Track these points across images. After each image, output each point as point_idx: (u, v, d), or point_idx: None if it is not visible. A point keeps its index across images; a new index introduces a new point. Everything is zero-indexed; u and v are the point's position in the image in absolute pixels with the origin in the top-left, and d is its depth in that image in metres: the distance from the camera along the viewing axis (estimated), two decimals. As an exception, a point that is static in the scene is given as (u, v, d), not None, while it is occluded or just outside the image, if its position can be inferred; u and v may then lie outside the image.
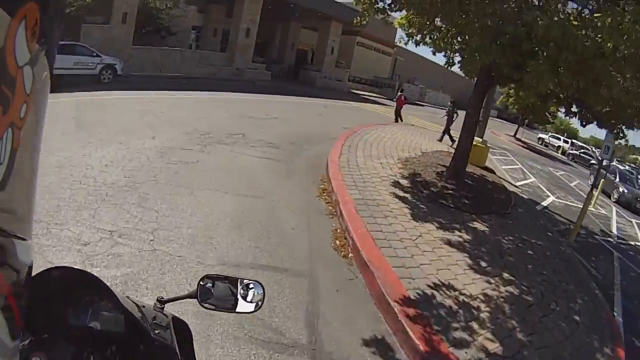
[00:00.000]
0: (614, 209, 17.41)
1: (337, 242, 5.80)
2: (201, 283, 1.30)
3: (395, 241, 5.85)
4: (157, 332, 1.06)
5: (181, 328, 1.24)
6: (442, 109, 48.32)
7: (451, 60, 9.38)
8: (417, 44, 9.36)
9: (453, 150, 10.90)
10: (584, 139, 50.92)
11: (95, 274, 0.98)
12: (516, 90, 12.02)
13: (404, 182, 8.88)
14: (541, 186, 15.66)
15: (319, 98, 21.48)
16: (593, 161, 34.87)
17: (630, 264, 9.86)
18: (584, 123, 9.85)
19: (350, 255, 5.48)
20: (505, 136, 32.92)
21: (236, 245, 4.92)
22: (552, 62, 6.05)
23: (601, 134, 10.18)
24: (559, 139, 39.51)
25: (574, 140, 41.29)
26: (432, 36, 9.01)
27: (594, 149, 47.51)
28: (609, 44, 5.12)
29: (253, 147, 9.00)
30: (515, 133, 35.62)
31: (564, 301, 5.70)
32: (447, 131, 15.63)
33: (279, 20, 29.46)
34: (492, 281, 5.52)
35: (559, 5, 6.58)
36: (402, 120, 18.83)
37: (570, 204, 15.28)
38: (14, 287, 0.62)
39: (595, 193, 16.95)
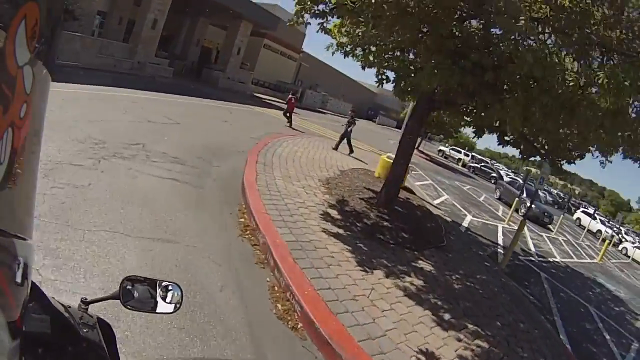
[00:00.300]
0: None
1: (279, 306, 4.79)
2: (123, 285, 1.31)
3: (350, 301, 5.05)
4: (85, 331, 1.06)
5: (105, 328, 1.21)
6: (344, 117, 49.08)
7: (383, 77, 8.63)
8: (346, 54, 8.43)
9: (366, 166, 11.07)
10: (480, 151, 55.13)
11: None
12: (452, 115, 11.32)
13: (334, 212, 8.14)
14: (456, 204, 16.46)
15: (222, 101, 19.93)
16: (494, 174, 37.38)
17: (556, 283, 10.71)
18: (502, 145, 9.49)
19: (300, 326, 4.53)
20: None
21: (152, 330, 3.52)
22: (526, 101, 5.66)
23: (493, 142, 10.21)
24: (459, 151, 42.36)
25: (473, 153, 44.03)
26: (365, 49, 8.26)
27: (495, 163, 51.73)
28: (606, 99, 4.80)
29: (155, 164, 7.51)
30: (418, 146, 36.71)
31: (526, 344, 5.84)
32: (343, 139, 15.76)
33: (187, 15, 28.43)
34: (461, 337, 5.20)
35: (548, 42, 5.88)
36: (290, 123, 18.99)
37: (486, 221, 16.32)
38: (15, 288, 0.63)
39: (510, 211, 17.80)
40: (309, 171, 10.73)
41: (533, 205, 21.50)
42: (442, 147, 44.26)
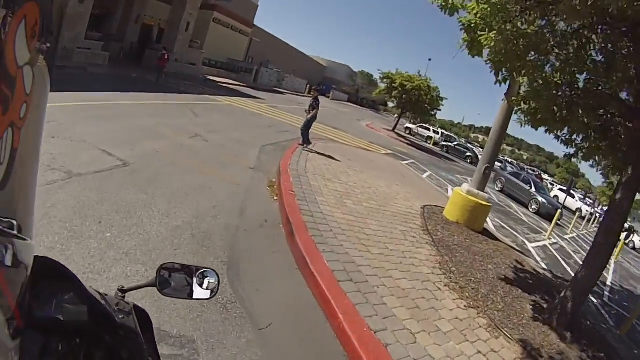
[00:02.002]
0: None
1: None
2: (159, 272, 1.27)
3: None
4: (121, 317, 1.02)
5: (142, 316, 1.19)
6: (306, 96, 43.76)
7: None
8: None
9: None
10: (441, 123, 51.88)
11: (62, 263, 0.89)
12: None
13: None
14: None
15: (175, 93, 14.62)
16: (469, 153, 34.27)
17: None
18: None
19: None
20: (385, 132, 29.66)
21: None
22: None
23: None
24: (428, 129, 38.32)
25: (443, 131, 40.44)
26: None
27: (467, 141, 49.04)
28: None
29: None
30: (394, 128, 32.85)
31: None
32: (309, 128, 11.48)
33: (124, -14, 22.99)
34: None
35: None
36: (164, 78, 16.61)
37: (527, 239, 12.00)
38: (15, 287, 0.62)
39: (550, 227, 14.21)
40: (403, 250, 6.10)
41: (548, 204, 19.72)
42: (409, 125, 40.37)
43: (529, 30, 5.15)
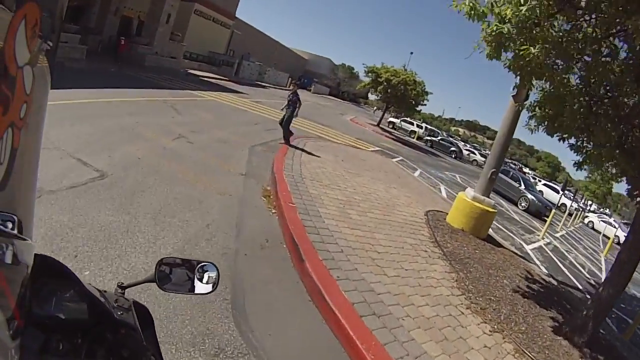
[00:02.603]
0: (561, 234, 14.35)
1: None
2: (158, 267, 1.25)
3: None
4: (120, 314, 1.02)
5: (142, 312, 1.18)
6: (288, 90, 43.04)
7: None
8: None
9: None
10: (422, 116, 51.47)
11: (59, 260, 0.88)
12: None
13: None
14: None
15: (155, 88, 13.63)
16: (453, 148, 34.07)
17: None
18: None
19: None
20: (370, 126, 29.15)
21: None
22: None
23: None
24: (411, 123, 37.95)
25: (426, 125, 40.01)
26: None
27: (449, 135, 48.75)
28: None
29: None
30: (379, 122, 32.33)
31: None
32: (289, 125, 10.96)
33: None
34: None
35: None
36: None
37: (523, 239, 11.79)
38: (15, 287, 0.62)
39: (544, 227, 13.99)
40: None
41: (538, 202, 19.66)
42: (392, 119, 39.76)
43: (554, 34, 4.85)
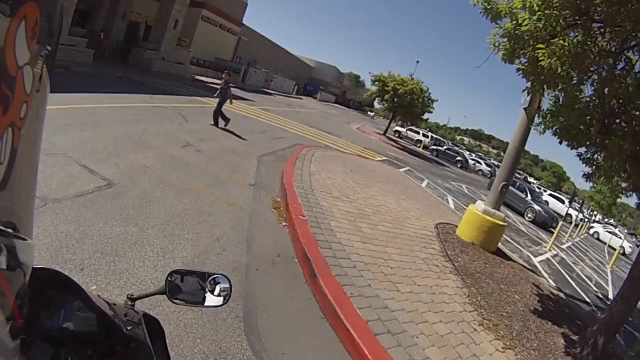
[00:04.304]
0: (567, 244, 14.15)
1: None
2: (169, 279, 1.22)
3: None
4: (129, 328, 1.00)
5: (153, 325, 1.17)
6: (294, 98, 43.07)
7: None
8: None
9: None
10: (427, 125, 51.13)
11: (66, 274, 0.88)
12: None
13: None
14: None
15: (162, 94, 13.53)
16: (459, 158, 33.89)
17: None
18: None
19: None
20: (376, 135, 29.02)
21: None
22: None
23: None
24: (417, 132, 37.77)
25: (432, 134, 39.89)
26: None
27: (453, 144, 48.44)
28: None
29: None
30: (386, 131, 32.24)
31: None
32: (219, 111, 11.61)
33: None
34: None
35: None
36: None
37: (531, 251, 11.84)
38: (15, 287, 0.62)
39: (552, 238, 13.80)
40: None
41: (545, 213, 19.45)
42: (398, 128, 39.65)
43: (569, 45, 4.73)
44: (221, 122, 11.53)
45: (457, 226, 8.63)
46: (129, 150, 6.56)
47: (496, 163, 58.76)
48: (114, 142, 6.73)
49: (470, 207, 8.40)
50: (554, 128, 6.00)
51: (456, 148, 40.58)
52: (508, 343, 4.69)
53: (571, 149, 6.11)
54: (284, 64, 49.58)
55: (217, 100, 11.72)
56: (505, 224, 8.36)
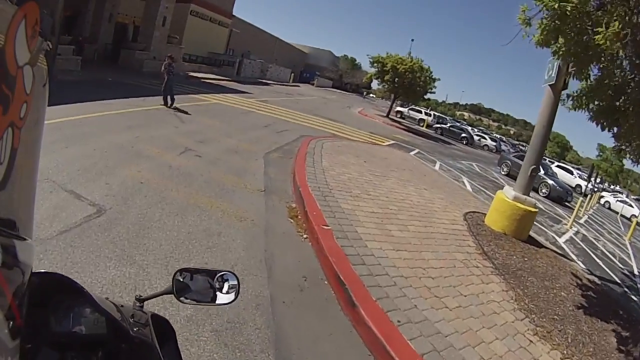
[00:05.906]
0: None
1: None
2: (176, 278, 1.18)
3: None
4: (136, 329, 0.98)
5: (162, 325, 1.16)
6: (292, 86, 42.19)
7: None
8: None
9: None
10: (426, 103, 50.04)
11: (71, 278, 0.86)
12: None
13: None
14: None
15: (155, 95, 12.35)
16: (464, 135, 33.16)
17: None
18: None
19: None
20: (379, 118, 28.26)
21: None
22: None
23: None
24: (419, 111, 36.78)
25: (435, 113, 38.97)
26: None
27: (454, 119, 47.53)
28: None
29: None
30: (388, 113, 31.39)
31: None
32: (167, 92, 11.93)
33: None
34: None
35: None
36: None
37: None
38: (15, 287, 0.60)
39: (572, 215, 13.19)
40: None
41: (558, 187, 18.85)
42: (399, 108, 38.61)
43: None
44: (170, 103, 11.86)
45: (484, 214, 7.95)
46: (121, 164, 5.81)
47: (500, 137, 57.87)
48: (104, 156, 5.98)
49: (499, 193, 7.67)
50: (590, 108, 5.55)
51: (459, 124, 39.60)
52: (565, 351, 4.19)
53: (607, 130, 5.56)
54: (278, 53, 48.48)
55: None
56: (537, 210, 7.65)
